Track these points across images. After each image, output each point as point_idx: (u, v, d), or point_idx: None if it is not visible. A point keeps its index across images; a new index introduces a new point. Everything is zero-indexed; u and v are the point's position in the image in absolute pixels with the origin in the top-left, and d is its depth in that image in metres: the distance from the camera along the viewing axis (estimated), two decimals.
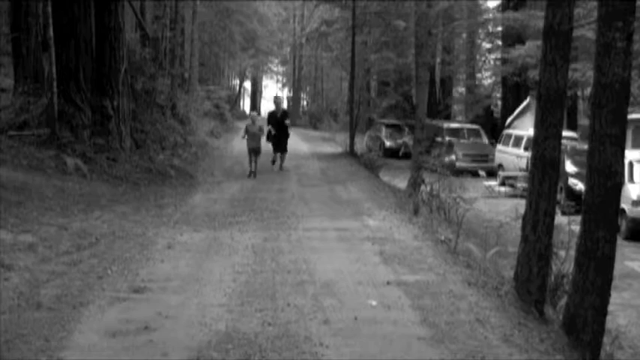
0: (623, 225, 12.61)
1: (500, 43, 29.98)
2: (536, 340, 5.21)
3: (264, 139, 15.75)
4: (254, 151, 15.15)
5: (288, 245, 8.16)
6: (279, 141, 16.20)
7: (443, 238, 8.73)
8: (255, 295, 6.02)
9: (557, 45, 5.87)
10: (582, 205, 5.61)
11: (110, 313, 5.43)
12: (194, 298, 5.92)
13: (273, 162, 16.43)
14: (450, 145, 22.81)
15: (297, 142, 26.62)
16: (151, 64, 19.25)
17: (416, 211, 10.78)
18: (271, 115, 16.62)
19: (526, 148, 18.38)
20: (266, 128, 16.08)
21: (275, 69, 67.11)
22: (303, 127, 40.05)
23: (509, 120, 22.80)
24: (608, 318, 5.77)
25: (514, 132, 21.17)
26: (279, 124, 16.12)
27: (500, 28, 28.94)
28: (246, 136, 15.39)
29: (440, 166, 12.99)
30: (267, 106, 68.92)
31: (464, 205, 10.53)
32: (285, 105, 19.33)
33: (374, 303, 5.87)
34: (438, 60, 32.54)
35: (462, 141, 24.05)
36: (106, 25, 14.57)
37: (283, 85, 68.88)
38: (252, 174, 14.93)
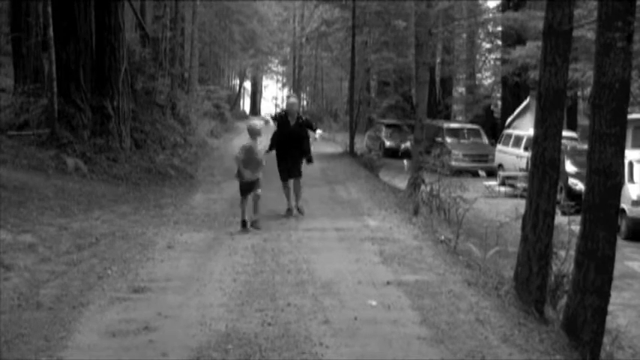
0: (623, 225, 12.61)
1: (500, 43, 29.99)
2: (536, 340, 5.21)
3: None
4: (249, 189, 9.11)
5: (288, 245, 8.16)
6: (291, 160, 10.14)
7: (443, 238, 8.72)
8: (255, 295, 6.02)
9: (557, 45, 5.87)
10: (582, 205, 5.61)
11: (110, 313, 5.43)
12: (194, 298, 5.92)
13: (289, 211, 10.16)
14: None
15: None
16: (151, 64, 19.29)
17: (416, 211, 10.77)
18: (281, 122, 10.21)
19: (526, 148, 18.38)
20: (263, 140, 9.50)
21: (275, 69, 67.23)
22: None
23: (509, 120, 22.81)
24: (608, 318, 5.77)
25: (514, 132, 21.17)
26: (293, 138, 10.08)
27: (500, 28, 28.95)
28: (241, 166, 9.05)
29: (440, 166, 12.98)
30: (266, 107, 69.03)
31: (464, 205, 10.53)
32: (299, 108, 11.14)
33: (374, 303, 5.87)
34: (438, 60, 32.56)
35: (461, 141, 24.06)
36: (106, 25, 14.60)
37: (283, 85, 68.97)
38: (245, 223, 9.01)
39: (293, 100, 10.64)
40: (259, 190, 9.08)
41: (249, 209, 9.11)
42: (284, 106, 11.10)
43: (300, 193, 10.34)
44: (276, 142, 10.14)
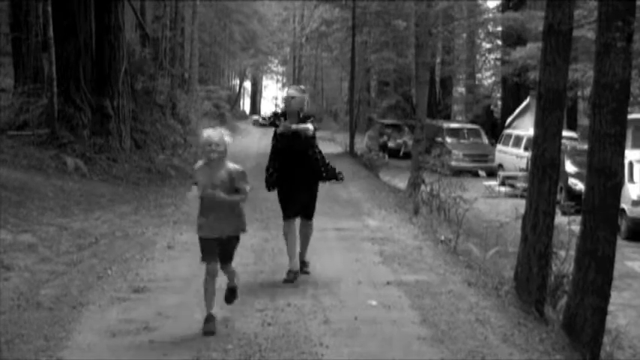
0: (623, 225, 12.61)
1: (500, 43, 30.01)
2: (536, 340, 5.21)
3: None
4: (214, 252, 5.11)
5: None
6: (298, 188, 6.57)
7: (443, 238, 8.73)
8: (255, 295, 6.01)
9: (557, 45, 5.87)
10: (582, 205, 5.61)
11: (110, 313, 5.43)
12: (194, 298, 5.91)
13: (292, 274, 6.53)
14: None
15: None
16: (151, 64, 19.30)
17: (416, 211, 10.78)
18: (282, 132, 6.53)
19: (526, 148, 18.39)
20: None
21: (275, 69, 67.26)
22: None
23: (509, 120, 22.84)
24: (608, 318, 5.77)
25: (514, 132, 21.19)
26: (297, 153, 6.53)
27: (500, 28, 28.98)
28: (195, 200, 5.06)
29: (440, 166, 13.00)
30: (266, 107, 68.91)
31: (464, 205, 10.53)
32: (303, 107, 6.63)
33: (374, 303, 5.86)
34: (438, 60, 32.60)
35: (461, 141, 24.09)
36: (106, 25, 14.60)
37: (283, 85, 68.97)
38: (211, 320, 5.04)
39: (293, 92, 6.71)
40: (232, 268, 5.34)
41: (221, 292, 5.30)
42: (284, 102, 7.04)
43: (309, 239, 6.81)
44: (274, 163, 6.60)
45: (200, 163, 5.17)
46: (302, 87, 6.98)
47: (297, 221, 6.69)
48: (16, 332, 4.87)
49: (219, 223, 5.08)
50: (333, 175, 6.77)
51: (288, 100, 6.68)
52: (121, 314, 5.39)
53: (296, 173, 6.53)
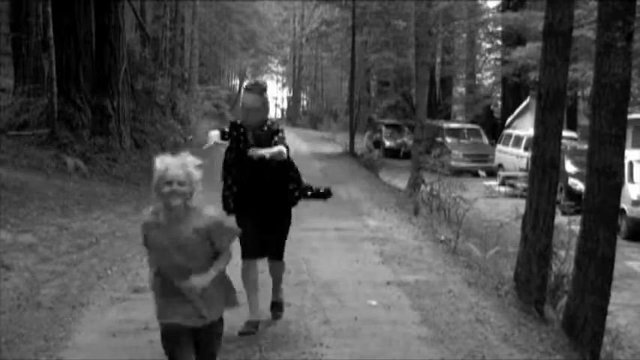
0: (623, 225, 12.61)
1: (500, 43, 30.00)
2: (536, 340, 5.21)
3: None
4: (187, 342, 3.21)
5: (288, 245, 8.13)
6: (262, 219, 5.00)
7: (443, 238, 8.73)
8: None
9: (557, 45, 5.87)
10: (582, 205, 5.62)
11: (110, 313, 5.43)
12: None
13: (252, 325, 4.95)
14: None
15: (296, 142, 26.65)
16: (151, 64, 19.32)
17: (416, 211, 10.78)
18: (236, 145, 4.95)
19: (526, 148, 18.39)
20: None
21: (275, 69, 67.23)
22: (303, 127, 40.05)
23: (509, 120, 22.84)
24: (608, 318, 5.77)
25: (514, 132, 21.19)
26: (260, 177, 4.89)
27: (500, 28, 28.97)
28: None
29: (440, 166, 13.00)
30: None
31: (464, 205, 10.52)
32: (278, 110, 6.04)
33: (374, 303, 5.86)
34: (438, 60, 32.58)
35: (461, 141, 24.09)
36: (106, 25, 14.62)
37: (283, 85, 68.98)
38: None
39: (252, 100, 4.88)
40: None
41: None
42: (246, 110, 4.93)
43: (281, 279, 5.39)
44: (230, 195, 5.01)
45: (150, 211, 3.39)
46: (262, 84, 5.01)
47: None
48: (16, 332, 4.87)
49: (195, 304, 3.22)
50: (318, 194, 5.35)
51: (247, 111, 4.89)
52: (121, 314, 5.40)
53: (258, 208, 4.99)
